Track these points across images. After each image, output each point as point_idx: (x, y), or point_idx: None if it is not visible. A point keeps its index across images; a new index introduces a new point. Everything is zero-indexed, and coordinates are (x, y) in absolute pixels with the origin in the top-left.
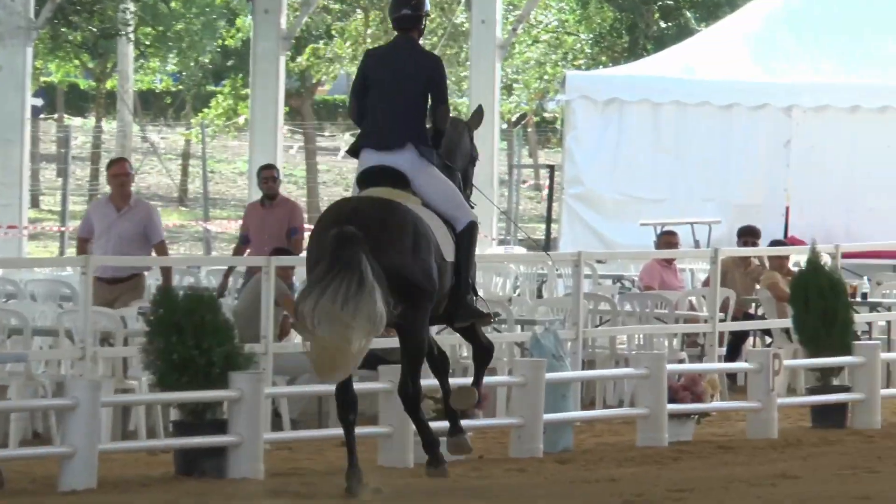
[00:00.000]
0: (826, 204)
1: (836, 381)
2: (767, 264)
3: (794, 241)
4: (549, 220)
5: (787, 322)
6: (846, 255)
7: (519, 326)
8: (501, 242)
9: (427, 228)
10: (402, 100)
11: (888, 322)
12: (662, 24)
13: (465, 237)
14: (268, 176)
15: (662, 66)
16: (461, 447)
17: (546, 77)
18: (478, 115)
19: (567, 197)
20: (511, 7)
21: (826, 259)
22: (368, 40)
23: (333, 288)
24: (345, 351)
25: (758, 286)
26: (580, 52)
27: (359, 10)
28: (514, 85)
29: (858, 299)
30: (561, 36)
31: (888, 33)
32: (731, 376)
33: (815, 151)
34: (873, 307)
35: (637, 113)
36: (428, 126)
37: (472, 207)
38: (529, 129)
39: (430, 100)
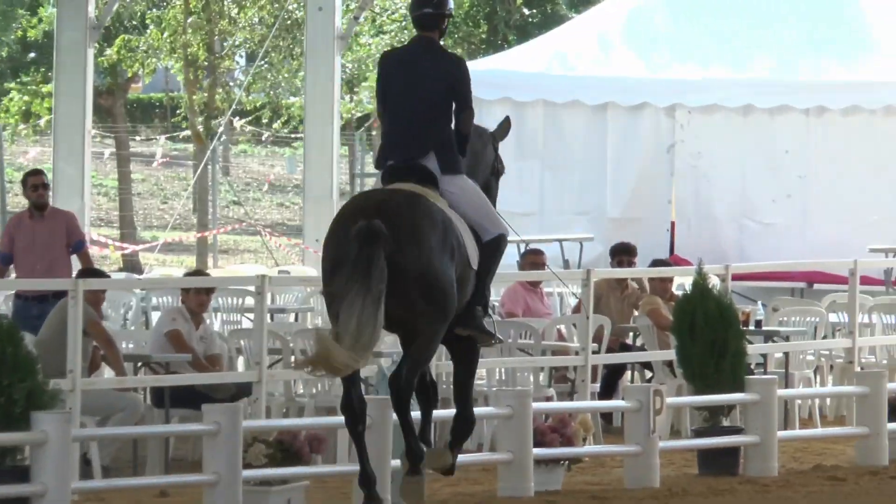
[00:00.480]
0: (715, 218)
1: (726, 422)
2: (647, 287)
3: (679, 261)
4: None
5: (671, 354)
6: (737, 277)
7: None
8: None
9: (458, 231)
10: (425, 106)
11: (786, 354)
12: (526, 11)
13: (492, 248)
14: (37, 183)
15: (526, 60)
16: (414, 492)
17: None
18: (505, 125)
19: None
20: None
21: (715, 281)
22: (189, 30)
23: (352, 307)
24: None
25: (636, 312)
26: None
27: None
28: (357, 81)
29: (752, 327)
30: (409, 25)
31: (785, 22)
32: (607, 416)
33: (702, 158)
34: (769, 336)
35: (498, 113)
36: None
37: None
38: (374, 133)
39: (453, 105)
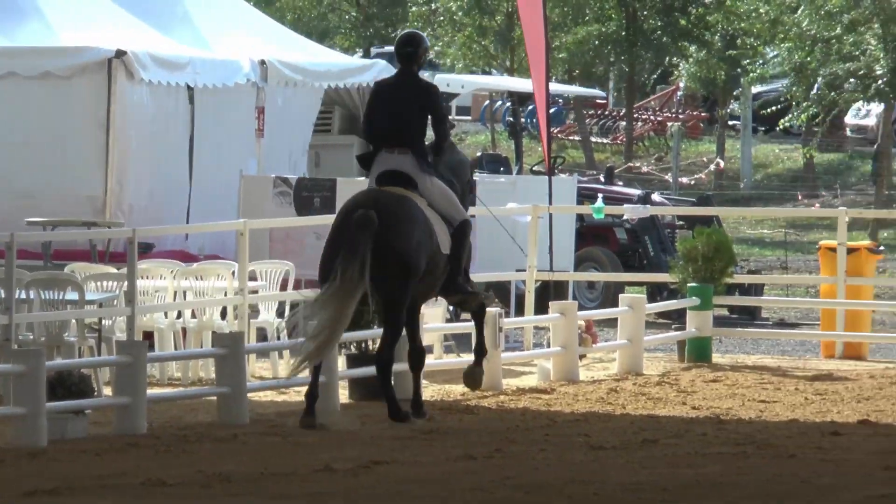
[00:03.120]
0: None
1: None
2: None
3: None
4: None
5: None
6: None
7: None
8: None
9: (430, 223)
10: (403, 117)
11: None
12: None
13: (459, 232)
14: None
15: None
16: (474, 379)
17: None
18: (477, 160)
19: None
20: None
21: None
22: None
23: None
24: (329, 346)
25: None
26: None
27: None
28: None
29: None
30: None
31: None
32: None
33: None
34: None
35: None
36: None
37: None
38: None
39: (429, 119)
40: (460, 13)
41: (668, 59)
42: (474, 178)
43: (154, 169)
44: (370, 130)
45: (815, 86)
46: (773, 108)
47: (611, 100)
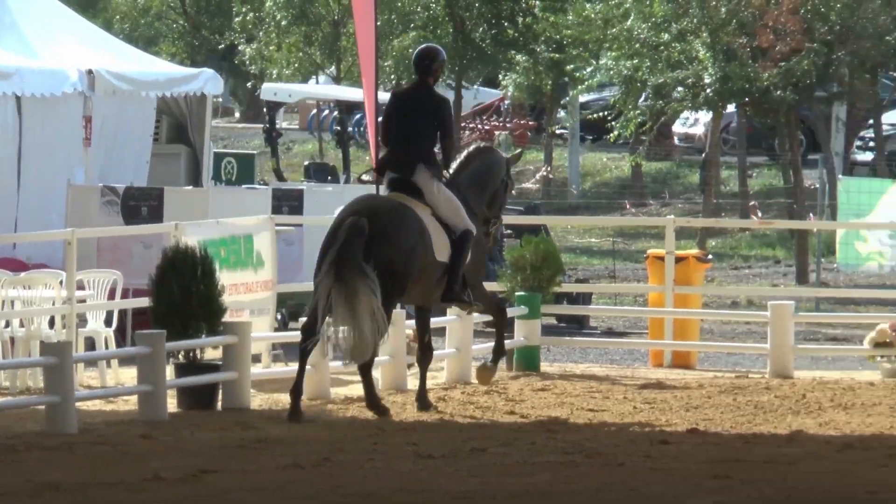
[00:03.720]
0: None
1: None
2: None
3: None
4: None
5: None
6: None
7: None
8: None
9: (426, 231)
10: (416, 131)
11: None
12: None
13: (460, 241)
14: None
15: None
16: (486, 376)
17: None
18: (517, 155)
19: None
20: None
21: None
22: None
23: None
24: (363, 339)
25: None
26: None
27: None
28: None
29: None
30: None
31: None
32: None
33: None
34: None
35: None
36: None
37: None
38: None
39: (438, 132)
40: (284, 22)
41: (494, 68)
42: (510, 179)
43: None
44: (386, 138)
45: (644, 94)
46: (601, 114)
47: None
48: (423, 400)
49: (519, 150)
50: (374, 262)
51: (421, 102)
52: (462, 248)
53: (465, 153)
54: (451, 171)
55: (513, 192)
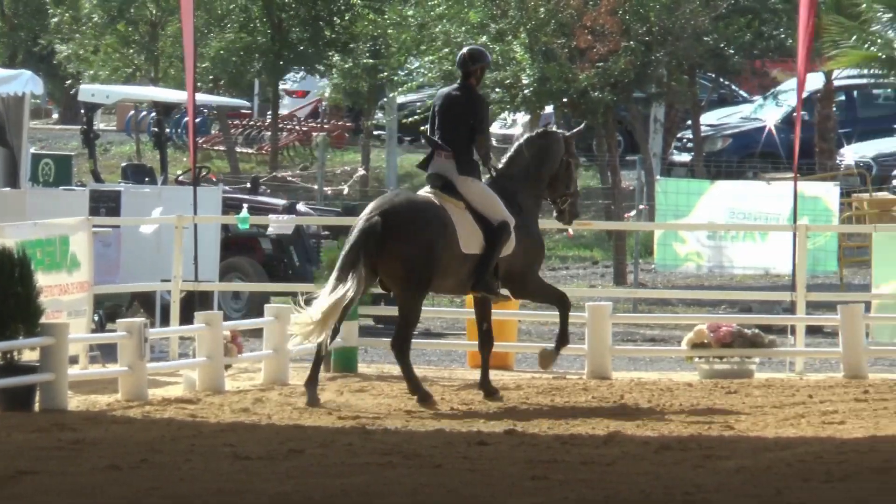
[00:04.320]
0: None
1: None
2: None
3: None
4: None
5: None
6: None
7: None
8: None
9: (450, 225)
10: (452, 125)
11: None
12: None
13: (495, 233)
14: None
15: None
16: (547, 360)
17: None
18: (581, 129)
19: None
20: None
21: None
22: None
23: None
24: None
25: None
26: None
27: None
28: None
29: None
30: None
31: None
32: None
33: None
34: None
35: None
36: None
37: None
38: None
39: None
40: (101, 21)
41: (311, 69)
42: (573, 157)
43: None
44: (430, 135)
45: None
46: (417, 116)
47: (256, 109)
48: (486, 387)
49: (582, 125)
50: (388, 256)
51: (458, 101)
52: (497, 238)
53: (516, 144)
54: (501, 164)
55: (580, 167)
